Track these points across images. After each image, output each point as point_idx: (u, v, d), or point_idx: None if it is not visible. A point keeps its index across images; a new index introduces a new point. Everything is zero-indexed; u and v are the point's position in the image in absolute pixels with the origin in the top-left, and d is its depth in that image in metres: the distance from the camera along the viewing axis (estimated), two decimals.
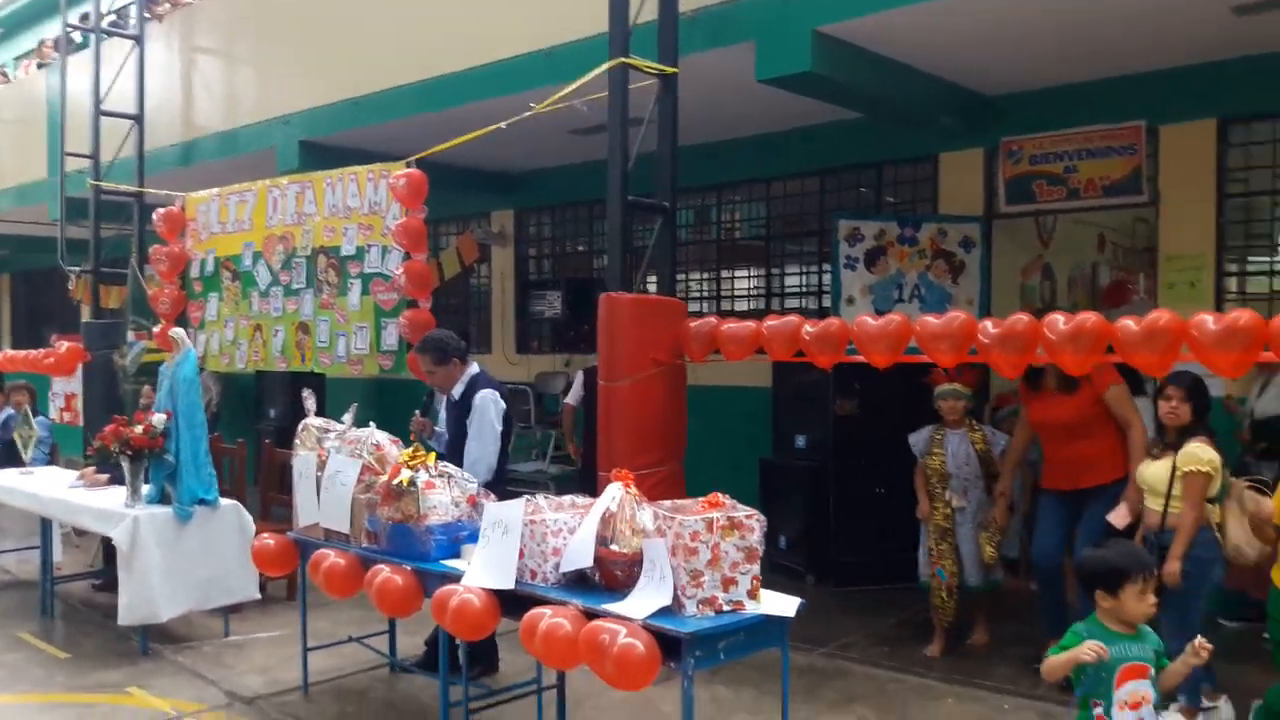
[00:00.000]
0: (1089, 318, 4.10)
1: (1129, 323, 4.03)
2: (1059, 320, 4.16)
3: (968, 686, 5.00)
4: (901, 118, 7.07)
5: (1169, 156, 6.56)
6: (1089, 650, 2.88)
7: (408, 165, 6.32)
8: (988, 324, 4.40)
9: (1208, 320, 3.84)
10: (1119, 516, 4.66)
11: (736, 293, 9.08)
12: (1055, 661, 2.96)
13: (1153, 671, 2.98)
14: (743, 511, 3.37)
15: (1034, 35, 5.88)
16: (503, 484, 5.07)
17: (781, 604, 3.48)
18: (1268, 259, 6.58)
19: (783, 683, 3.62)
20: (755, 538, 3.38)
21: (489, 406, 5.00)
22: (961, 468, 5.40)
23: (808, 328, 4.99)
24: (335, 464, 4.65)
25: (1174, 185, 6.55)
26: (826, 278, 7.97)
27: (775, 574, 6.88)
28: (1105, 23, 5.65)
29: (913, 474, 5.59)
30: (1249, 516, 4.18)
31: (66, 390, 11.38)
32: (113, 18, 10.26)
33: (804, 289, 8.60)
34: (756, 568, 3.41)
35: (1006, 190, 7.18)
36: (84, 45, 10.73)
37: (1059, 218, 7.97)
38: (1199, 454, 4.15)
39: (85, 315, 13.85)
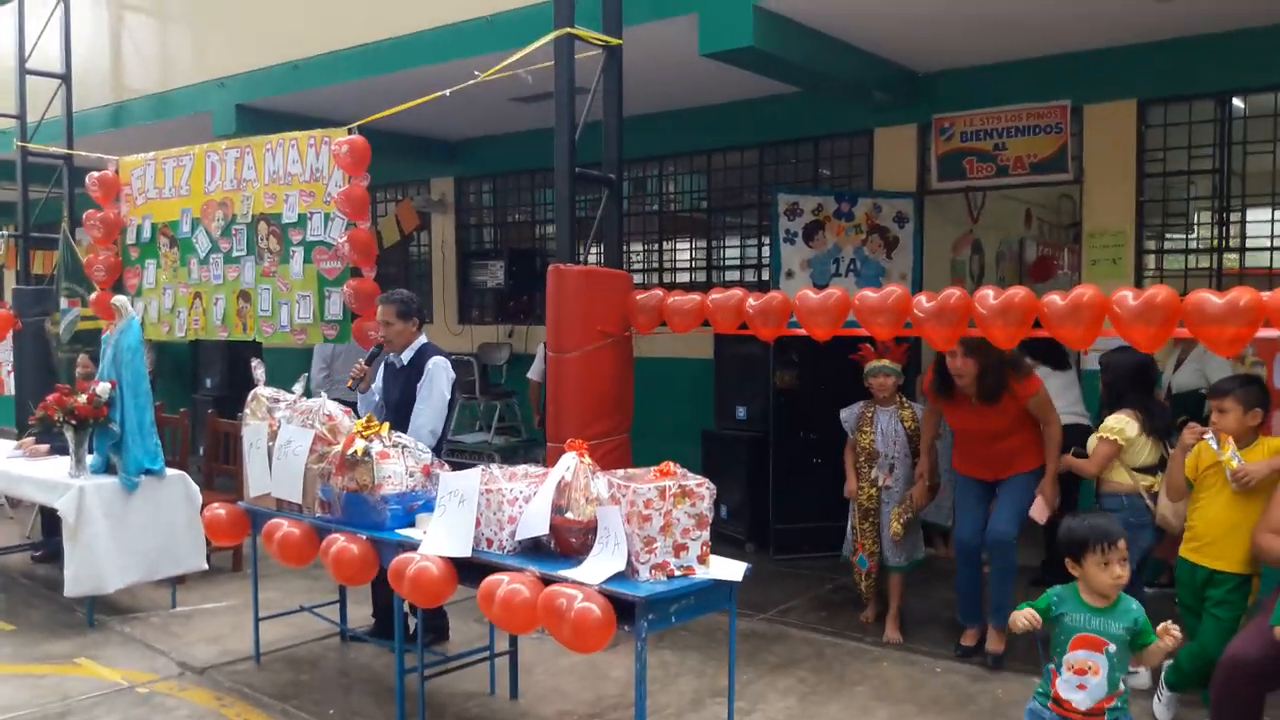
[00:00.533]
0: (1018, 292, 4.31)
1: (1055, 298, 4.24)
2: (989, 295, 4.36)
3: (902, 650, 5.24)
4: (839, 92, 7.24)
5: (1093, 135, 6.83)
6: (1019, 618, 3.13)
7: (350, 132, 6.28)
8: (922, 299, 4.58)
9: (1128, 296, 4.07)
10: (1039, 512, 4.84)
11: (679, 264, 9.21)
12: (1013, 616, 3.18)
13: (1111, 646, 3.07)
14: (694, 480, 3.52)
15: (965, 13, 6.06)
16: (442, 453, 5.16)
17: (730, 569, 3.64)
18: (1183, 237, 6.91)
19: (730, 643, 3.79)
20: (705, 505, 3.54)
21: (440, 373, 5.09)
22: (890, 446, 5.42)
23: (751, 301, 5.13)
24: (287, 434, 4.69)
25: (1097, 164, 6.82)
26: (766, 251, 8.14)
27: (717, 543, 6.87)
28: (1030, 5, 5.86)
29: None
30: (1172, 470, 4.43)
31: None
32: None
33: (744, 261, 8.77)
34: (706, 534, 3.57)
35: (939, 166, 7.41)
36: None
37: (988, 194, 8.26)
38: (1108, 423, 4.72)
39: (9, 280, 13.50)
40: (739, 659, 4.94)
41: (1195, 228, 7.02)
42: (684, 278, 9.07)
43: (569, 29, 5.53)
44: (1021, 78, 7.02)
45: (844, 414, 5.60)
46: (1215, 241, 6.62)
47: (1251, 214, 6.60)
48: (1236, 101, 6.54)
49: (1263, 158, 6.42)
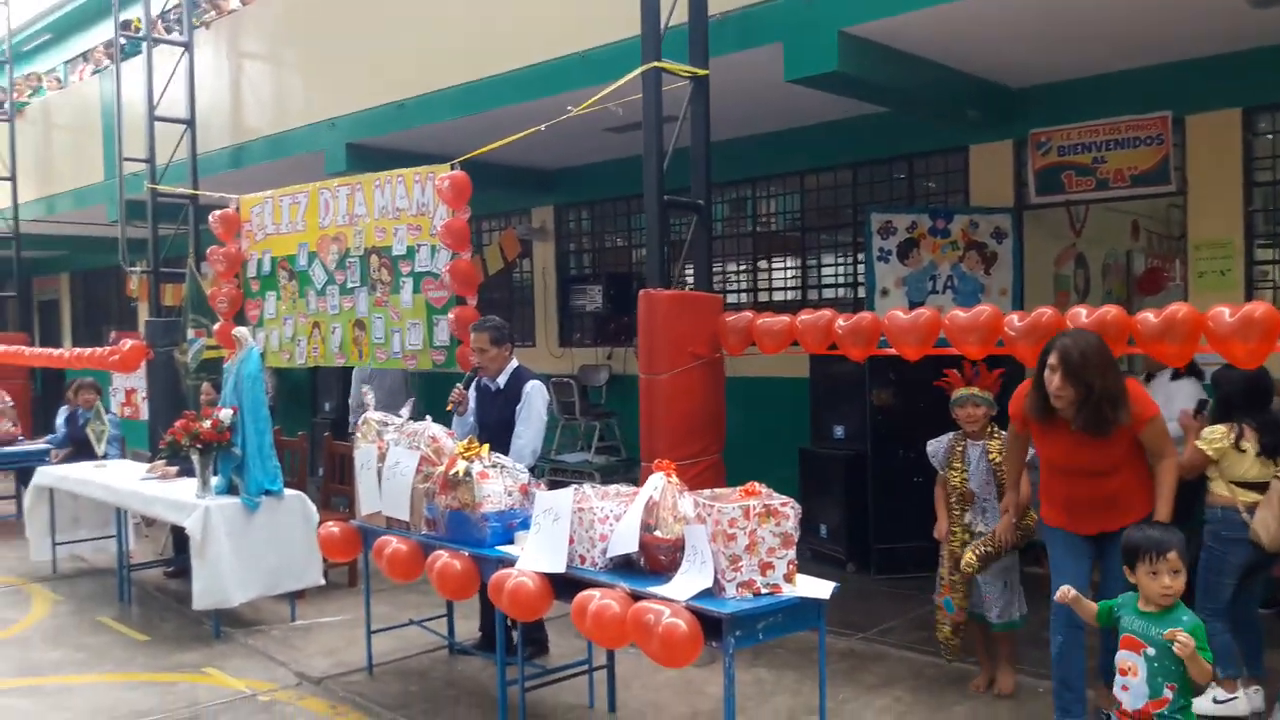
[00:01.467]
0: (1110, 310, 4.28)
1: (1149, 315, 4.20)
2: (1081, 313, 4.34)
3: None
4: (930, 112, 7.23)
5: (1196, 146, 6.66)
6: (1067, 596, 3.42)
7: (452, 168, 6.58)
8: (1014, 317, 4.58)
9: (1225, 312, 4.01)
10: None
11: (774, 284, 9.28)
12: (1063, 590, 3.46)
13: (1150, 650, 3.12)
14: (778, 499, 3.61)
15: (1058, 29, 6.01)
16: (542, 471, 5.36)
17: (817, 587, 3.71)
18: None
19: (820, 662, 3.85)
20: (790, 524, 3.62)
21: (538, 397, 5.31)
22: (983, 486, 4.76)
23: (840, 322, 5.20)
24: (395, 455, 4.94)
25: (1201, 174, 6.65)
26: (861, 268, 8.15)
27: (816, 562, 7.11)
28: (1126, 16, 5.78)
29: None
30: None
31: (126, 386, 11.87)
32: (160, 23, 10.64)
33: (839, 280, 8.78)
34: (792, 553, 3.65)
35: (1037, 181, 7.31)
36: (135, 51, 11.13)
37: (1091, 207, 8.09)
38: (1204, 432, 4.58)
39: (142, 313, 14.36)
40: (837, 677, 5.03)
41: None
42: (780, 296, 9.13)
43: (656, 63, 5.70)
44: (1120, 90, 6.90)
45: (931, 446, 4.98)
46: None
47: None
48: None
49: None
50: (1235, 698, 4.39)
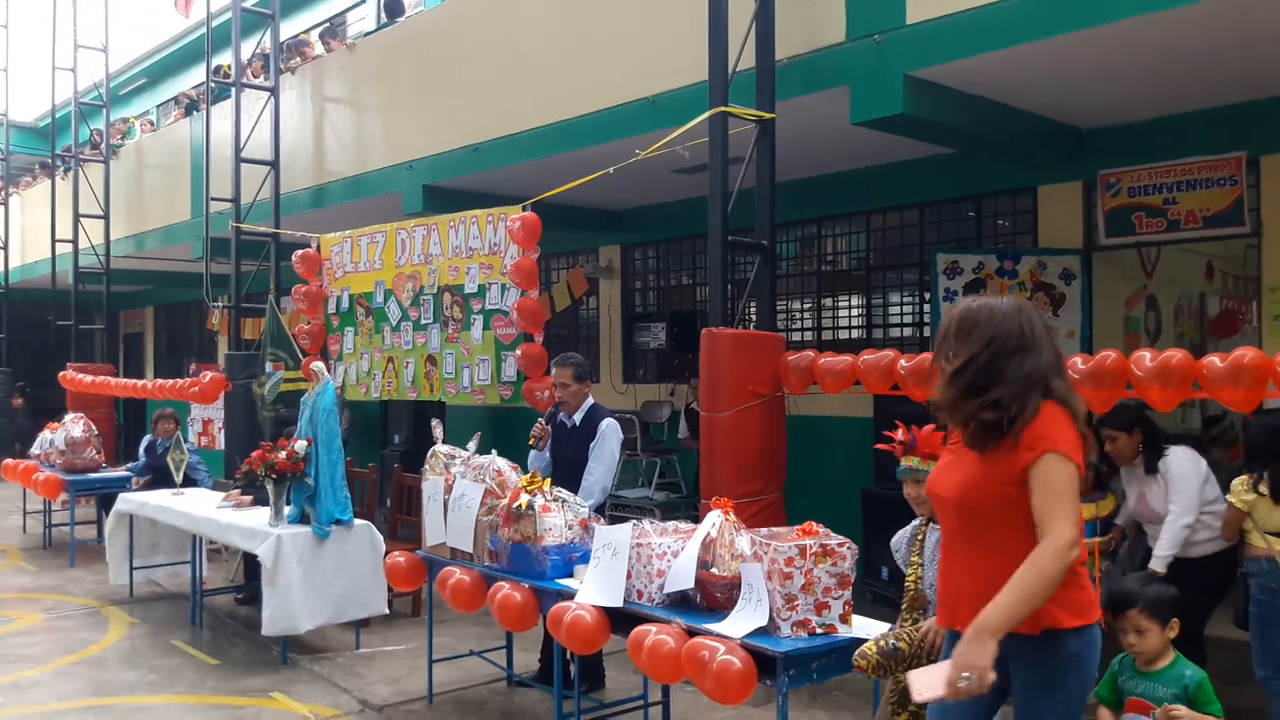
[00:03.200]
0: (1175, 354, 4.23)
1: (1215, 359, 4.14)
2: (1145, 356, 4.30)
3: None
4: (997, 153, 7.22)
5: (1271, 186, 6.54)
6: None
7: (524, 209, 6.76)
8: (1077, 359, 4.55)
9: None
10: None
11: (839, 323, 9.28)
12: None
13: (1158, 710, 3.06)
14: (835, 540, 3.63)
15: (1127, 68, 5.97)
16: (605, 508, 5.43)
17: (873, 628, 3.71)
18: None
19: (873, 705, 3.83)
20: (847, 565, 3.64)
21: (613, 435, 5.40)
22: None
23: (903, 362, 5.20)
24: (461, 488, 5.06)
25: (1276, 215, 6.52)
26: (928, 308, 8.12)
27: (877, 604, 7.02)
28: (1198, 55, 5.72)
29: None
30: None
31: (204, 416, 12.31)
32: (249, 67, 11.10)
33: (904, 319, 8.76)
34: (849, 593, 3.66)
35: (1106, 222, 7.23)
36: (223, 95, 11.62)
37: (1163, 247, 7.97)
38: (1232, 487, 4.60)
39: (221, 345, 14.84)
40: None
41: None
42: (845, 335, 9.13)
43: (723, 108, 5.81)
44: (1192, 130, 6.81)
45: (894, 540, 3.88)
46: None
47: None
48: None
49: None
50: None
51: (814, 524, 3.70)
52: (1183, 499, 4.72)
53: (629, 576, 4.10)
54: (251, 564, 7.46)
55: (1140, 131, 7.04)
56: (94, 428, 10.33)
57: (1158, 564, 4.68)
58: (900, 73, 5.75)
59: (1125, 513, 5.29)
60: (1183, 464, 4.81)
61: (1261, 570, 4.44)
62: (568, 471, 5.39)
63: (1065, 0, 5.07)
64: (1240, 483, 4.57)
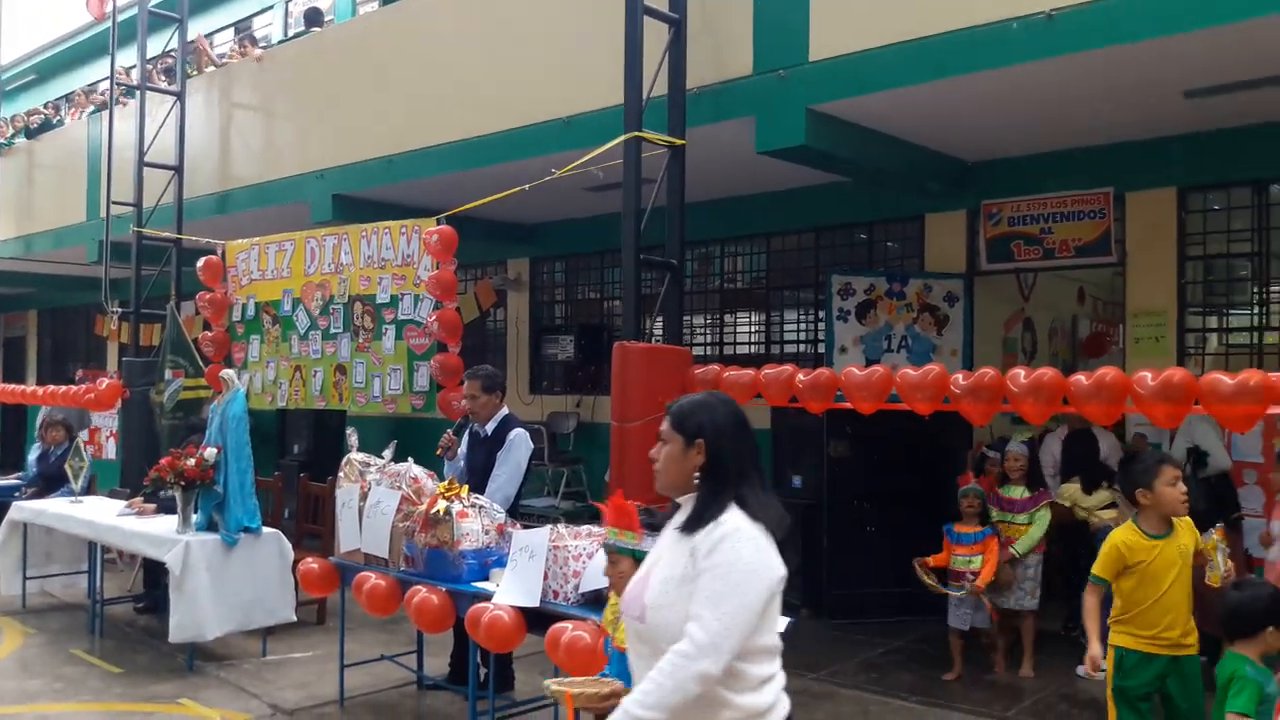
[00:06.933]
0: (1046, 372, 4.66)
1: (1081, 378, 4.58)
2: (1020, 374, 4.72)
3: (946, 710, 5.49)
4: (889, 183, 7.68)
5: (1134, 221, 7.15)
6: None
7: (438, 222, 6.91)
8: (959, 376, 4.95)
9: (1148, 376, 4.40)
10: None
11: (739, 338, 9.65)
12: None
13: None
14: None
15: (1007, 111, 6.48)
16: (515, 515, 5.60)
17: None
18: (1223, 317, 7.14)
19: None
20: None
21: (521, 445, 5.53)
22: None
23: (800, 376, 5.54)
24: (377, 495, 5.18)
25: (1139, 247, 7.13)
26: (822, 326, 8.54)
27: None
28: (1073, 102, 6.26)
29: (899, 512, 6.02)
30: None
31: (92, 425, 11.98)
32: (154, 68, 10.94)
33: (801, 337, 9.17)
34: None
35: (988, 249, 7.77)
36: (129, 95, 11.40)
37: (1040, 274, 8.57)
38: (1061, 491, 6.03)
39: (111, 351, 14.43)
40: None
41: (1235, 308, 7.22)
42: (744, 350, 9.50)
43: (637, 133, 6.09)
44: (1066, 167, 7.39)
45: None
46: (1255, 320, 6.85)
47: None
48: (1274, 188, 6.81)
49: None
50: None
51: None
52: None
53: (546, 578, 4.30)
54: (151, 573, 7.39)
55: (1020, 166, 7.59)
56: None
57: None
58: (803, 106, 6.12)
59: None
60: None
61: (1102, 533, 5.16)
62: (479, 480, 5.52)
63: (950, 47, 5.52)
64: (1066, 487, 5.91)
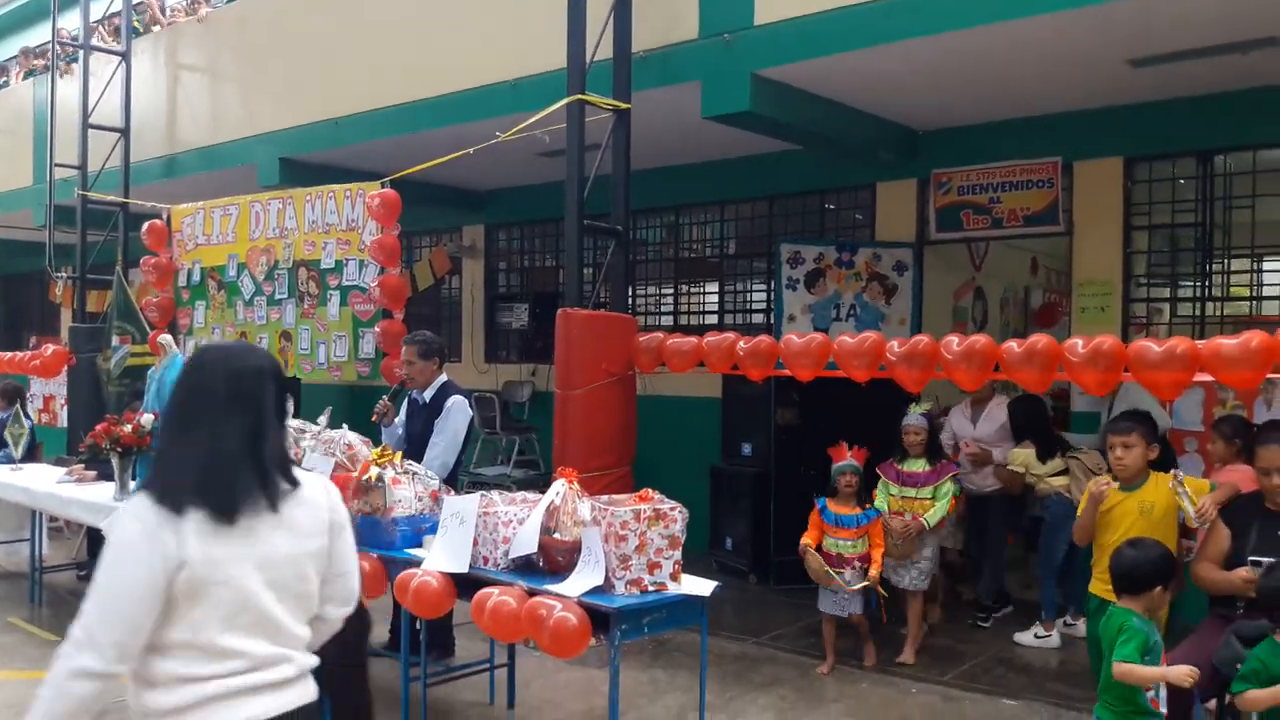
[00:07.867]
0: (979, 339, 4.68)
1: (1013, 345, 4.60)
2: (954, 341, 4.73)
3: (882, 674, 5.55)
4: (839, 151, 7.65)
5: (1082, 190, 7.17)
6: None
7: (383, 185, 6.82)
8: (894, 343, 4.96)
9: (1078, 344, 4.43)
10: None
11: (693, 307, 9.63)
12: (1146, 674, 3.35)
13: None
14: (668, 504, 3.90)
15: (958, 78, 6.45)
16: (453, 484, 5.56)
17: (700, 586, 4.00)
18: (1169, 288, 7.20)
19: (701, 656, 4.13)
20: (678, 527, 3.91)
21: (458, 412, 5.48)
22: None
23: (741, 344, 5.54)
24: (310, 462, 5.11)
25: (1086, 217, 7.16)
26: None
27: (721, 573, 7.39)
28: (1021, 70, 6.25)
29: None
30: None
31: (45, 392, 11.80)
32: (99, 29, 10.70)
33: (753, 305, 9.16)
34: (678, 554, 3.93)
35: (937, 218, 7.77)
36: (72, 59, 11.16)
37: (993, 244, 8.59)
38: (1012, 454, 6.16)
39: (65, 319, 14.22)
40: (728, 678, 5.35)
41: (1181, 278, 7.28)
42: (700, 320, 9.48)
43: (580, 96, 6.02)
44: (1015, 136, 7.39)
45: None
46: (1198, 290, 6.91)
47: (1234, 264, 6.88)
48: (1218, 158, 6.85)
49: (1243, 212, 6.72)
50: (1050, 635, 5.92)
51: (650, 490, 3.97)
52: None
53: (475, 544, 4.27)
54: (95, 541, 7.30)
55: (970, 135, 7.58)
56: None
57: None
58: (748, 71, 6.07)
59: None
60: None
61: (1052, 501, 5.86)
62: (418, 447, 5.47)
63: (891, 12, 5.48)
64: (1019, 452, 6.00)
